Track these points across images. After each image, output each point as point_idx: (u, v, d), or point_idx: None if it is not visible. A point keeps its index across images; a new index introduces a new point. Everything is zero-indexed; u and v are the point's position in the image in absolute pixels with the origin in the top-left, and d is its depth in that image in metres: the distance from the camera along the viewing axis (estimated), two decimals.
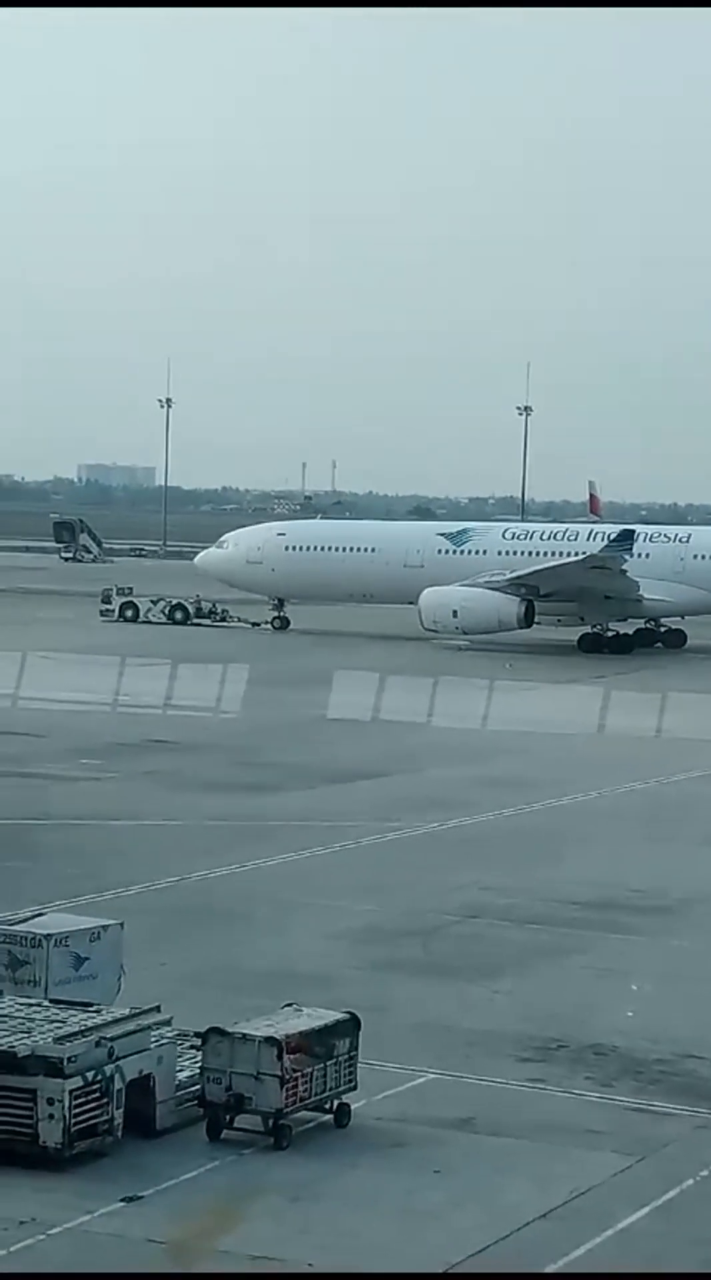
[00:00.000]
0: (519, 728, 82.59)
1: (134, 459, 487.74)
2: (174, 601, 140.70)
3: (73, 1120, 30.44)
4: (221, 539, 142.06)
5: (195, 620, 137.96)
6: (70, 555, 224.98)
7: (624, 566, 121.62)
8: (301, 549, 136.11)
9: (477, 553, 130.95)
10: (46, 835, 57.89)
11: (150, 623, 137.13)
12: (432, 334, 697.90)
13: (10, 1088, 30.57)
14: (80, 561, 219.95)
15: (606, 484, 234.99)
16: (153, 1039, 32.43)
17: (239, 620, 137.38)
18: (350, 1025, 33.27)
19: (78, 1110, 30.54)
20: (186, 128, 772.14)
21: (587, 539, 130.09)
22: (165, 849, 56.04)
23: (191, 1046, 33.34)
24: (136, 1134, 31.47)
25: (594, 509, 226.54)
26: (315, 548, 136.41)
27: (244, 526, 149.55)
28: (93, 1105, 30.81)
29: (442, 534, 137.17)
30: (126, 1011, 32.98)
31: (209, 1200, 29.54)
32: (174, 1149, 31.43)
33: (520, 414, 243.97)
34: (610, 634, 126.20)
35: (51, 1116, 30.35)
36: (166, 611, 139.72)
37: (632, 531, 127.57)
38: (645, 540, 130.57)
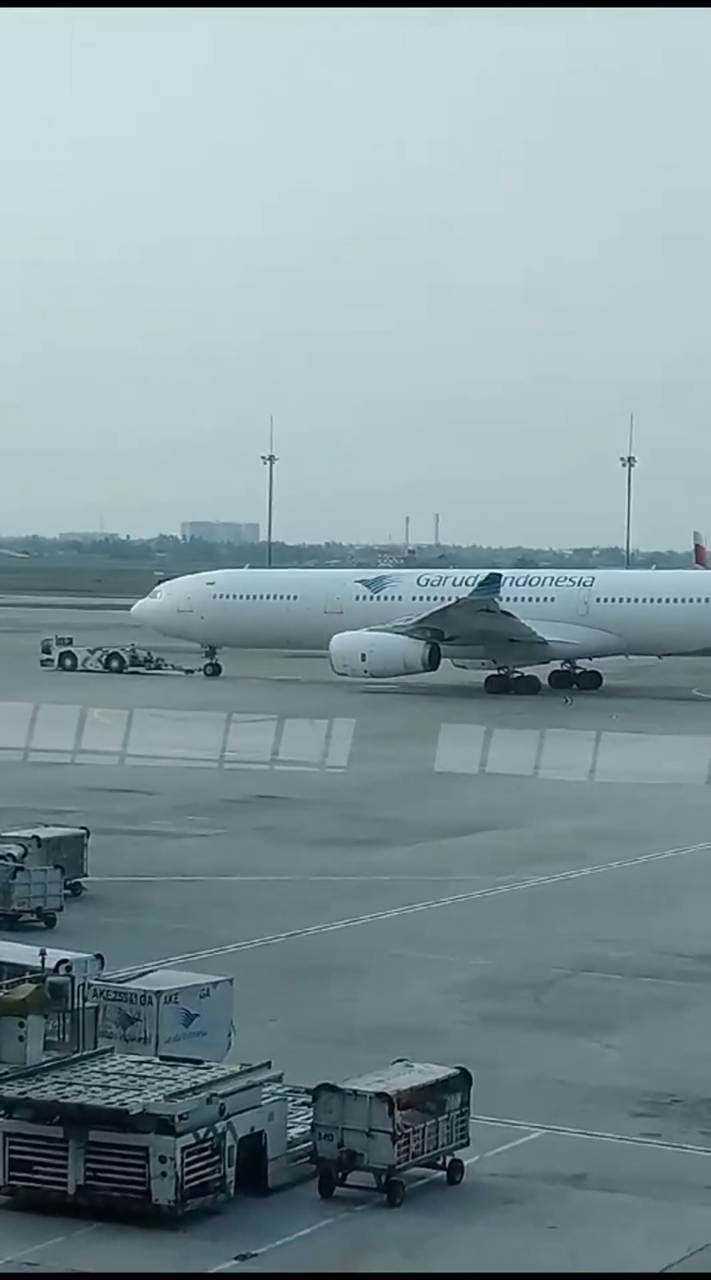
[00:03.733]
0: (624, 779, 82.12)
1: (238, 516, 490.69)
2: (110, 650, 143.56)
3: (185, 1178, 30.39)
4: (155, 589, 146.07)
5: (131, 669, 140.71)
6: None
7: (496, 608, 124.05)
8: (229, 597, 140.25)
9: (394, 599, 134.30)
10: (156, 892, 58.02)
11: (88, 671, 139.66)
12: (535, 386, 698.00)
13: (122, 1145, 30.56)
14: None
15: None
16: (264, 1096, 32.37)
17: (173, 668, 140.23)
18: (462, 1081, 33.09)
19: (190, 1168, 30.49)
20: (286, 185, 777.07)
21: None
22: (275, 905, 56.02)
23: (303, 1103, 33.25)
24: (249, 1191, 31.40)
25: (699, 559, 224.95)
26: (241, 596, 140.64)
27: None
28: (205, 1163, 30.76)
29: (361, 580, 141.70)
30: (237, 1068, 32.91)
31: (324, 1258, 29.38)
32: (287, 1206, 31.33)
33: (624, 465, 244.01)
34: (515, 675, 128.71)
35: (164, 1174, 30.32)
36: (103, 660, 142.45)
37: (499, 575, 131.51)
38: (550, 584, 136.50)
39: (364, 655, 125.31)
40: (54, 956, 38.25)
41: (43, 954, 38.03)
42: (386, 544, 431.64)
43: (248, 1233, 30.07)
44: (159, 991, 36.35)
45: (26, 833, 56.41)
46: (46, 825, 58.86)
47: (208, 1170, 30.78)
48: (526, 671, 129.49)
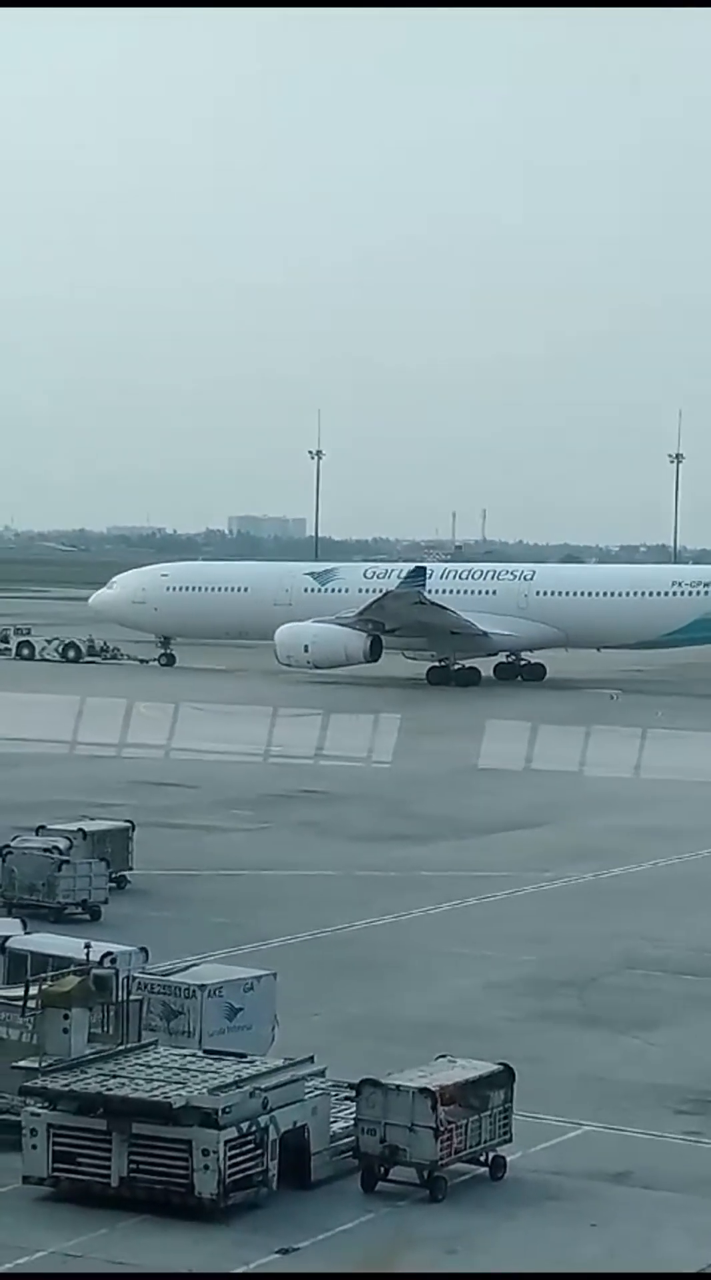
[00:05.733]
0: (668, 776, 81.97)
1: (285, 510, 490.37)
2: (67, 641, 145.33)
3: (228, 1171, 30.50)
4: (111, 580, 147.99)
5: (88, 658, 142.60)
6: None
7: (423, 600, 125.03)
8: (181, 589, 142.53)
9: (341, 591, 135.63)
10: (201, 886, 58.16)
11: (46, 660, 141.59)
12: (581, 383, 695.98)
13: (165, 1139, 30.69)
14: None
15: None
16: (307, 1090, 32.46)
17: (129, 658, 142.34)
18: (504, 1077, 33.13)
19: (233, 1161, 30.60)
20: (341, 185, 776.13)
21: (439, 577, 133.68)
22: (318, 899, 56.11)
23: (345, 1098, 33.32)
24: (291, 1185, 31.49)
25: None
26: (194, 588, 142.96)
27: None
28: (247, 1156, 30.87)
29: (310, 573, 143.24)
30: (280, 1062, 33.03)
31: (365, 1253, 29.47)
32: (329, 1200, 31.42)
33: (672, 461, 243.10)
34: (456, 667, 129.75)
35: (206, 1167, 30.44)
36: (60, 650, 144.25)
37: (424, 569, 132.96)
38: (491, 577, 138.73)
39: (306, 646, 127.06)
40: (99, 949, 38.35)
41: (88, 946, 38.13)
42: (432, 539, 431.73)
43: (290, 1226, 30.17)
44: (203, 985, 36.45)
45: (72, 825, 56.66)
46: (92, 818, 59.11)
47: (250, 1164, 30.89)
48: (469, 663, 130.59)
